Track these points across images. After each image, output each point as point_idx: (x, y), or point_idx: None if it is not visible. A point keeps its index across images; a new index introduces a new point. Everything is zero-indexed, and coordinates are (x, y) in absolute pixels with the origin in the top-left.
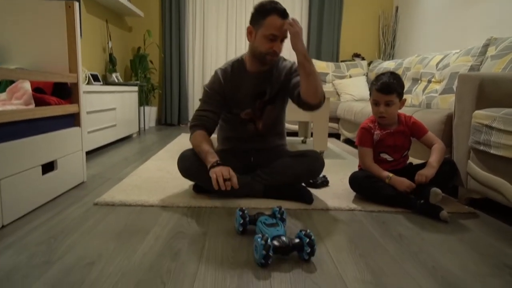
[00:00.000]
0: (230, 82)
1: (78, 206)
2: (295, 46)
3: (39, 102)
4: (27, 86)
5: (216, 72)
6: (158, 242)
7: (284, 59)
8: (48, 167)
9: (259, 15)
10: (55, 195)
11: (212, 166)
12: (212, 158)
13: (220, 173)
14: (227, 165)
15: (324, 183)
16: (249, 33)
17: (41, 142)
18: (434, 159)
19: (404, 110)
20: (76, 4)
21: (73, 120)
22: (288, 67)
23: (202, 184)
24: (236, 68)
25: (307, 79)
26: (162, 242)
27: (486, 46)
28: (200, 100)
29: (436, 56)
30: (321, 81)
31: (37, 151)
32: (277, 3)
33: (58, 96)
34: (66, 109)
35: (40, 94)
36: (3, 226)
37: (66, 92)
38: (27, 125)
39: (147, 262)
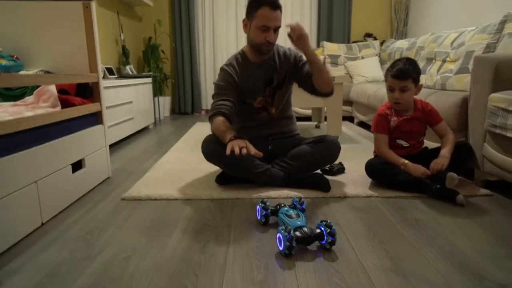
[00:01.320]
0: (239, 75)
1: (107, 201)
2: (304, 50)
3: (64, 104)
4: (52, 88)
5: (223, 68)
6: (185, 235)
7: (281, 47)
8: (77, 166)
9: (251, 7)
10: (85, 191)
11: (230, 140)
12: (230, 134)
13: (236, 143)
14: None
15: (341, 170)
16: (245, 25)
17: (70, 142)
18: (448, 149)
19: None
20: (93, 4)
21: (96, 118)
22: (289, 54)
23: (225, 168)
24: (240, 61)
25: (320, 73)
26: (190, 235)
27: (503, 22)
28: (212, 96)
29: (451, 34)
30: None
31: (67, 151)
32: None
33: (81, 96)
34: (90, 108)
35: (65, 95)
36: (42, 224)
37: (88, 91)
38: (56, 127)
39: (178, 255)
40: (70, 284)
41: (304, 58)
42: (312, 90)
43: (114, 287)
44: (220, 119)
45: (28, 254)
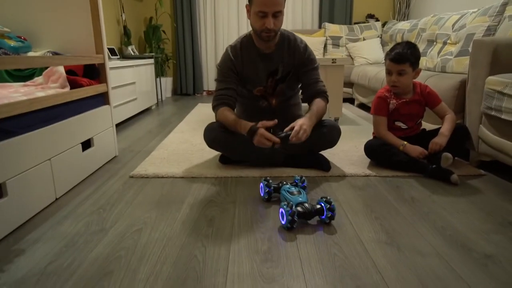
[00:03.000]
0: (240, 58)
1: (116, 179)
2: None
3: (72, 84)
4: (61, 69)
5: (226, 49)
6: (193, 210)
7: (296, 38)
8: (86, 144)
9: None
10: (94, 169)
11: (252, 130)
12: (246, 123)
13: (262, 136)
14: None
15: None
16: (247, 11)
17: (79, 122)
18: (447, 128)
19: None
20: None
21: (103, 99)
22: (301, 51)
23: (227, 154)
24: (245, 44)
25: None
26: (197, 210)
27: (504, 5)
28: (215, 80)
29: (452, 16)
30: (323, 110)
31: (77, 130)
32: None
33: (87, 77)
34: (97, 89)
35: (73, 76)
36: (56, 199)
37: (94, 72)
38: (66, 107)
39: (187, 228)
40: (88, 252)
41: (315, 62)
42: (305, 99)
43: (129, 255)
44: (225, 108)
45: (46, 226)
